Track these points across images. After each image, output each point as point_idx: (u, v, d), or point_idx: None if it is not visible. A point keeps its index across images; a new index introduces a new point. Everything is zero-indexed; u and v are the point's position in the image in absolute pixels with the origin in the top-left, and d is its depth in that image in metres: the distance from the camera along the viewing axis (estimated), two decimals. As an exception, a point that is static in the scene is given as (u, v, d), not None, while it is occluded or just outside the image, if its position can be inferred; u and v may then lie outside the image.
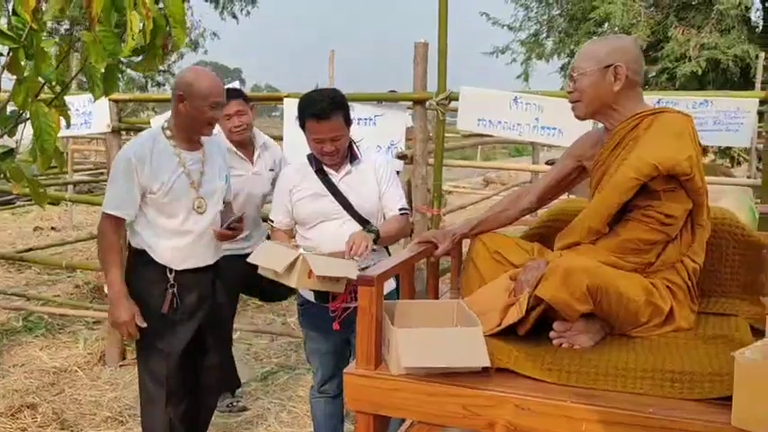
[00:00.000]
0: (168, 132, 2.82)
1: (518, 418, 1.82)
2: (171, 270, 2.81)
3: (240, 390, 4.16)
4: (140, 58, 2.19)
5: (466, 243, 2.65)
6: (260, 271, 2.63)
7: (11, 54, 2.00)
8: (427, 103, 3.94)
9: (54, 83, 2.15)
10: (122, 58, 2.13)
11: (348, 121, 2.83)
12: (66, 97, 2.29)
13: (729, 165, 13.32)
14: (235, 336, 4.18)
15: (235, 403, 3.98)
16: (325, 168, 2.88)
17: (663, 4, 12.35)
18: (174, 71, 18.32)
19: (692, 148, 2.16)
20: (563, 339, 2.12)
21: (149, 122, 4.60)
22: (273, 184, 3.38)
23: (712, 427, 1.68)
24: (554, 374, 1.91)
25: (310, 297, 2.89)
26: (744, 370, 1.61)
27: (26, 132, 2.20)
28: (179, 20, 2.09)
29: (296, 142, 3.48)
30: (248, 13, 20.75)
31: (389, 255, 2.92)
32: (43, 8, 1.99)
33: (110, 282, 2.75)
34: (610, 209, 2.18)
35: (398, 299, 2.50)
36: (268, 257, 2.58)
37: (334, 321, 2.77)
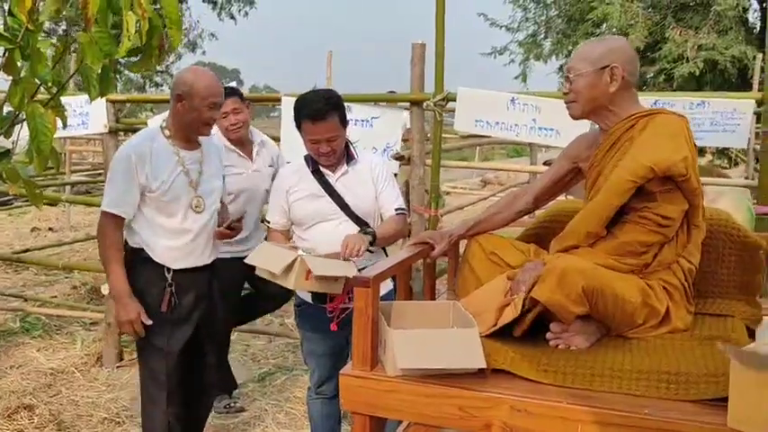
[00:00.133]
0: (167, 132, 2.83)
1: (514, 419, 1.82)
2: (168, 269, 2.81)
3: (237, 391, 4.15)
4: (136, 58, 2.20)
5: (463, 244, 2.64)
6: (257, 272, 2.63)
7: (6, 55, 2.00)
8: (425, 104, 3.95)
9: (50, 84, 2.15)
10: (120, 59, 2.13)
11: (344, 122, 2.83)
12: (63, 98, 2.28)
13: (727, 165, 13.36)
14: (232, 336, 4.18)
15: (232, 404, 3.98)
16: (322, 169, 2.88)
17: (660, 5, 12.36)
18: (172, 72, 18.33)
19: (688, 149, 2.16)
20: (559, 340, 2.12)
21: (146, 123, 4.59)
22: (274, 179, 3.38)
23: (708, 429, 1.68)
24: (550, 376, 1.91)
25: (307, 298, 2.89)
26: (739, 371, 1.61)
27: (23, 133, 2.20)
28: (175, 20, 2.09)
29: (294, 142, 3.48)
30: (246, 13, 20.77)
31: (387, 255, 2.92)
32: (39, 9, 1.99)
33: (113, 281, 2.75)
34: (607, 212, 2.18)
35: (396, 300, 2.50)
36: (266, 259, 2.58)
37: (331, 322, 2.77)
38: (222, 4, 20.08)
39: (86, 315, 5.51)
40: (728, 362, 1.64)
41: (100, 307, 5.29)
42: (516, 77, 15.10)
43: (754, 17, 13.00)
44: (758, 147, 4.80)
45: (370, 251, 2.76)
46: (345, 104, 2.90)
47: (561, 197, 3.05)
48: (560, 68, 14.61)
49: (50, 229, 9.79)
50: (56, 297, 6.21)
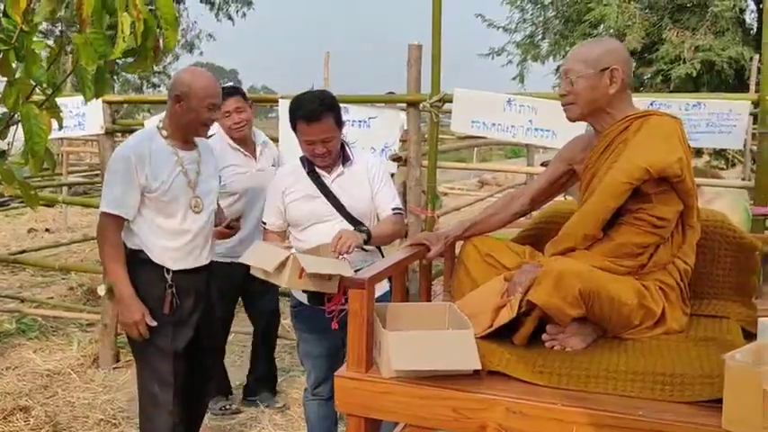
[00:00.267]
0: (164, 132, 2.82)
1: (509, 420, 1.82)
2: (168, 270, 2.80)
3: (234, 392, 4.15)
4: (132, 59, 2.20)
5: (459, 245, 2.64)
6: (252, 271, 2.62)
7: (1, 56, 1.99)
8: (421, 105, 3.95)
9: (45, 85, 2.14)
10: (117, 60, 2.13)
11: (339, 123, 2.83)
12: (59, 99, 2.28)
13: (724, 166, 13.38)
14: (229, 337, 4.17)
15: (227, 407, 3.97)
16: (318, 170, 2.88)
17: (658, 6, 12.39)
18: (169, 72, 18.34)
19: (682, 150, 2.17)
20: (555, 342, 2.12)
21: (143, 124, 4.59)
22: None
23: (703, 430, 1.68)
24: (545, 377, 1.91)
25: (304, 299, 2.88)
26: (734, 373, 1.61)
27: (18, 134, 2.20)
28: (170, 21, 2.09)
29: (291, 143, 3.48)
30: (244, 14, 20.77)
31: (383, 256, 2.92)
32: (34, 9, 1.99)
33: (116, 283, 2.73)
34: (604, 214, 2.18)
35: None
36: (259, 257, 2.57)
37: (329, 323, 2.77)
38: (220, 5, 20.08)
39: (83, 316, 5.50)
40: (723, 363, 1.64)
41: (96, 308, 5.29)
42: (514, 78, 15.14)
43: (751, 18, 13.04)
44: (755, 148, 4.81)
45: (364, 249, 2.76)
46: (342, 105, 2.90)
47: (559, 198, 3.05)
48: (557, 69, 14.64)
49: (47, 230, 9.78)
50: (52, 298, 6.20)
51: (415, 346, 1.92)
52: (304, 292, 2.84)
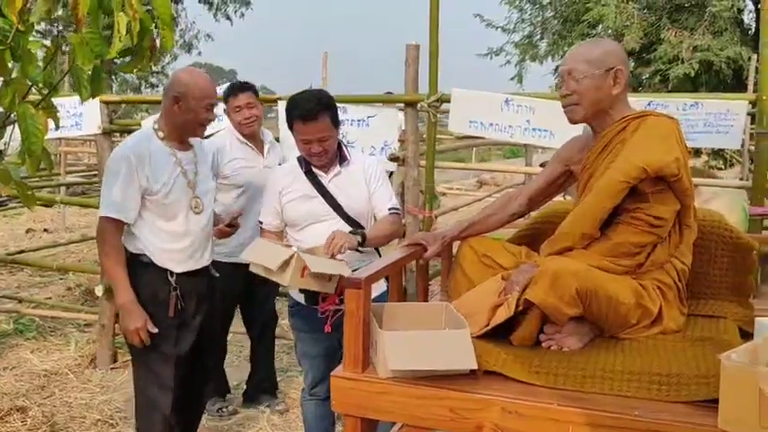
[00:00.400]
0: (161, 133, 2.80)
1: (505, 421, 1.81)
2: (171, 273, 2.78)
3: (232, 392, 4.15)
4: (128, 59, 2.20)
5: (456, 245, 2.64)
6: (252, 268, 2.61)
7: (-3, 55, 1.99)
8: (419, 105, 3.95)
9: (41, 84, 2.14)
10: (116, 60, 2.13)
11: (336, 123, 2.83)
12: (57, 99, 2.28)
13: (722, 166, 13.39)
14: (228, 337, 4.17)
15: (225, 408, 3.96)
16: (314, 170, 2.88)
17: (656, 6, 12.40)
18: (167, 73, 18.33)
19: (679, 150, 2.17)
20: (552, 342, 2.11)
21: (140, 124, 4.59)
22: None
23: (699, 430, 1.67)
24: (542, 377, 1.91)
25: (301, 299, 2.88)
26: (730, 372, 1.61)
27: (15, 134, 2.19)
28: (166, 21, 2.09)
29: (291, 144, 3.49)
30: (242, 14, 20.79)
31: (380, 256, 2.92)
32: (30, 9, 1.99)
33: (117, 288, 2.70)
34: (601, 213, 2.18)
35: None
36: (261, 255, 2.56)
37: (324, 323, 2.77)
38: (218, 5, 20.11)
39: (81, 317, 5.50)
40: (719, 363, 1.64)
41: (94, 308, 5.28)
42: (512, 78, 15.13)
43: (749, 18, 13.05)
44: (753, 148, 4.81)
45: (359, 251, 2.75)
46: (341, 105, 2.90)
47: (558, 198, 3.04)
48: (556, 69, 14.64)
49: (45, 230, 9.77)
50: (50, 298, 6.19)
51: (411, 346, 1.91)
52: (301, 291, 2.84)
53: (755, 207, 3.42)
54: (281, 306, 4.31)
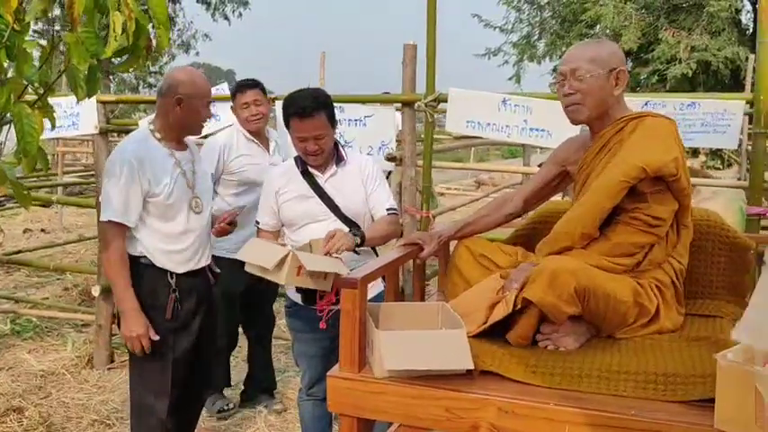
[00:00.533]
0: (158, 134, 2.78)
1: (501, 420, 1.81)
2: (172, 275, 2.76)
3: (230, 392, 4.14)
4: (124, 59, 2.20)
5: (452, 245, 2.64)
6: (247, 267, 2.61)
7: (-8, 55, 1.99)
8: (416, 104, 3.94)
9: (37, 84, 2.14)
10: (113, 60, 2.13)
11: (332, 122, 2.82)
12: (53, 98, 2.28)
13: (720, 166, 13.41)
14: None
15: (226, 407, 3.93)
16: (311, 170, 2.87)
17: (654, 7, 12.42)
18: (165, 72, 18.28)
19: (678, 150, 2.19)
20: (549, 341, 2.11)
21: (138, 124, 4.58)
22: None
23: (695, 429, 1.67)
24: (538, 377, 1.91)
25: (298, 299, 2.88)
26: (725, 372, 1.61)
27: (11, 134, 2.19)
28: (162, 20, 2.09)
29: (288, 142, 3.49)
30: (240, 14, 20.80)
31: (377, 256, 2.91)
32: (25, 9, 1.98)
33: (120, 295, 2.68)
34: (601, 213, 2.18)
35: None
36: (257, 254, 2.56)
37: (321, 322, 2.77)
38: (216, 5, 20.11)
39: (78, 317, 5.49)
40: (715, 363, 1.64)
41: (91, 309, 5.27)
42: (510, 78, 15.17)
43: (746, 18, 13.08)
44: (750, 148, 4.81)
45: (356, 252, 2.75)
46: (338, 105, 2.90)
47: (557, 198, 3.05)
48: (554, 69, 14.66)
49: (43, 230, 9.76)
50: (47, 299, 6.18)
51: (407, 346, 1.91)
52: (298, 291, 2.83)
53: (753, 207, 3.42)
54: (278, 306, 4.30)
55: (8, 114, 2.08)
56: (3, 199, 9.63)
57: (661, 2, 12.25)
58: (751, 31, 12.44)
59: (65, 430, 3.75)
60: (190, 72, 2.85)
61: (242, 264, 3.05)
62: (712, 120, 3.49)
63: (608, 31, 12.25)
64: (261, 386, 4.13)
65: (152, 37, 2.16)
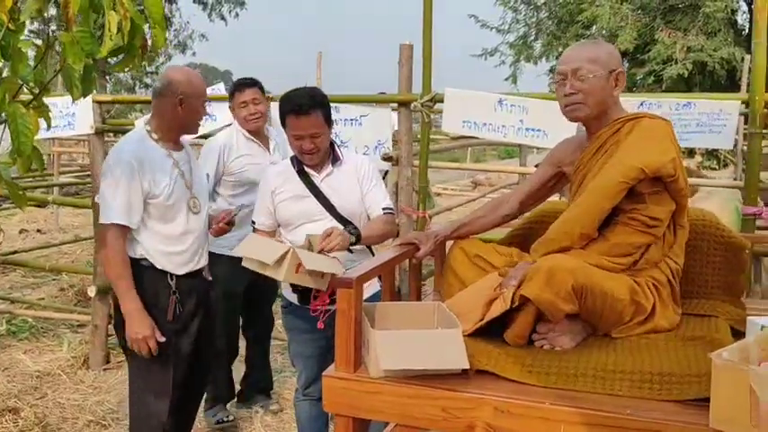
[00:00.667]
0: (155, 135, 2.77)
1: (497, 420, 1.81)
2: (172, 276, 2.75)
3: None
4: (119, 58, 2.19)
5: (448, 245, 2.64)
6: (244, 263, 2.60)
7: (-13, 54, 1.98)
8: (412, 104, 3.94)
9: (32, 84, 2.13)
10: (110, 60, 2.12)
11: (329, 121, 2.82)
12: (49, 98, 2.28)
13: (716, 167, 13.44)
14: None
15: (226, 418, 3.84)
16: (307, 169, 2.87)
17: (650, 7, 12.44)
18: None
19: (675, 151, 2.20)
20: (545, 341, 2.11)
21: (134, 124, 4.57)
22: None
23: (690, 429, 1.68)
24: (534, 376, 1.91)
25: (294, 299, 2.88)
26: (720, 371, 1.61)
27: (6, 134, 2.18)
28: (158, 20, 2.08)
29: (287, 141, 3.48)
30: (237, 14, 20.78)
31: (373, 255, 2.91)
32: (20, 8, 1.98)
33: (123, 295, 2.65)
34: (600, 213, 2.19)
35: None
36: (256, 250, 2.55)
37: (317, 322, 2.76)
38: (212, 5, 20.10)
39: (73, 317, 5.48)
40: (711, 362, 1.64)
41: (87, 309, 5.26)
42: (506, 79, 15.18)
43: (742, 19, 13.11)
44: (746, 148, 4.83)
45: (350, 251, 2.75)
46: (333, 105, 2.90)
47: (554, 198, 3.05)
48: (551, 70, 14.68)
49: (39, 230, 9.74)
50: (43, 299, 6.17)
51: (403, 346, 1.91)
52: (294, 291, 2.83)
53: (748, 207, 3.43)
54: (276, 307, 4.29)
55: (2, 114, 2.07)
56: (-2, 199, 9.60)
57: (657, 2, 12.27)
58: (747, 31, 12.46)
59: (60, 431, 3.75)
60: (186, 72, 2.85)
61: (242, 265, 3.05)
62: (708, 120, 3.50)
63: (604, 31, 12.27)
64: (257, 386, 4.12)
65: (147, 37, 2.15)
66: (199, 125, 2.87)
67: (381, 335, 1.91)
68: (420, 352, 1.90)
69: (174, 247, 2.76)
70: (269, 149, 3.79)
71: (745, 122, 4.22)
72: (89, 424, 3.81)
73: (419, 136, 4.19)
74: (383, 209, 2.91)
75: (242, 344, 4.28)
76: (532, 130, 3.76)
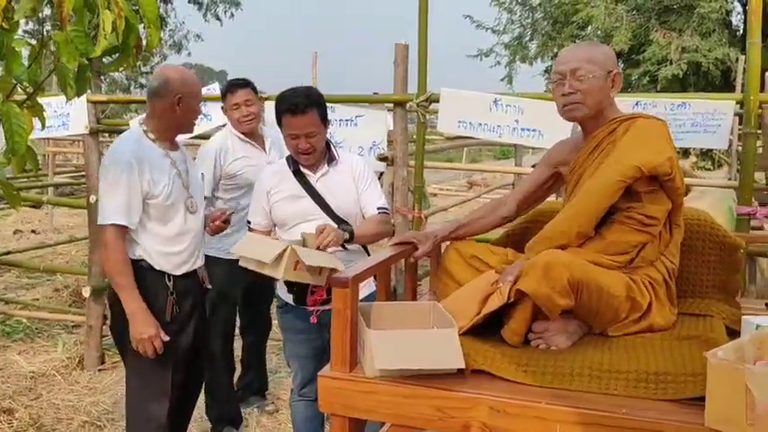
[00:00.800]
0: (152, 135, 2.76)
1: (493, 419, 1.81)
2: (170, 277, 2.74)
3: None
4: (114, 57, 2.19)
5: (444, 246, 2.64)
6: (242, 262, 2.60)
7: (-20, 54, 1.97)
8: (408, 104, 3.94)
9: (26, 83, 2.12)
10: (105, 59, 2.12)
11: (324, 120, 2.82)
12: (44, 98, 2.27)
13: (711, 167, 13.48)
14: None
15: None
16: (303, 169, 2.87)
17: (644, 8, 12.47)
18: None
19: (671, 150, 2.22)
20: (540, 340, 2.11)
21: (129, 124, 4.56)
22: None
23: (686, 428, 1.67)
24: (529, 376, 1.91)
25: (289, 299, 2.87)
26: (716, 370, 1.61)
27: (1, 134, 2.17)
28: (152, 19, 2.08)
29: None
30: (232, 15, 20.77)
31: (369, 255, 2.91)
32: (14, 8, 1.97)
33: (127, 297, 2.62)
34: (597, 212, 2.19)
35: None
36: (253, 249, 2.54)
37: (316, 323, 2.76)
38: (208, 5, 20.08)
39: (68, 318, 5.46)
40: (706, 361, 1.64)
41: (82, 310, 5.24)
42: (502, 79, 15.19)
43: (737, 20, 13.15)
44: (741, 148, 4.84)
45: (345, 248, 2.74)
46: (329, 105, 2.90)
47: (552, 198, 3.06)
48: (546, 70, 14.70)
49: (33, 231, 9.71)
50: (38, 300, 6.15)
51: (398, 346, 1.91)
52: (289, 292, 2.83)
53: (743, 206, 3.44)
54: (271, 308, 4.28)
55: (-3, 114, 2.06)
56: (-7, 200, 9.57)
57: (652, 3, 12.30)
58: (741, 32, 12.50)
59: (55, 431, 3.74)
60: (182, 71, 2.84)
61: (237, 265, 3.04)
62: (703, 120, 3.51)
63: (599, 32, 12.30)
64: (253, 387, 4.11)
65: (142, 36, 2.15)
66: (194, 125, 2.86)
67: (377, 335, 1.91)
68: (416, 352, 1.90)
69: (171, 247, 2.75)
70: (265, 149, 3.74)
71: (740, 122, 4.23)
72: (84, 425, 3.80)
73: (414, 136, 4.19)
74: (378, 208, 2.91)
75: (237, 344, 4.27)
76: (528, 130, 3.77)
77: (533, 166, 3.45)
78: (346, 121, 4.06)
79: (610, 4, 12.08)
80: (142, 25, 2.10)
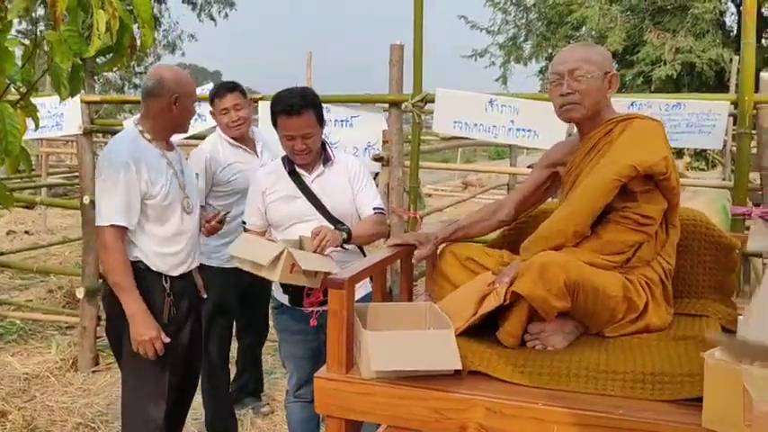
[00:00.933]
0: (148, 135, 2.74)
1: (489, 420, 1.81)
2: (167, 278, 2.73)
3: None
4: (108, 57, 2.18)
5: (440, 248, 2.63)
6: (237, 263, 2.58)
7: (-27, 53, 1.96)
8: (403, 105, 3.94)
9: (20, 83, 2.11)
10: (98, 60, 2.11)
11: (320, 120, 2.81)
12: (38, 98, 2.26)
13: (705, 168, 13.51)
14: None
15: None
16: (298, 169, 2.86)
17: (638, 9, 12.48)
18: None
19: (667, 150, 2.22)
20: (537, 341, 2.11)
21: (123, 124, 4.54)
22: None
23: (683, 429, 1.67)
24: (526, 377, 1.90)
25: (285, 300, 2.86)
26: (713, 370, 1.61)
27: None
28: (146, 19, 2.07)
29: (276, 141, 3.44)
30: (226, 15, 20.73)
31: (365, 256, 2.90)
32: (7, 7, 1.96)
33: (127, 299, 2.60)
34: (593, 211, 2.20)
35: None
36: (250, 250, 2.53)
37: (308, 322, 2.75)
38: (202, 6, 20.04)
39: (62, 319, 5.44)
40: (703, 361, 1.64)
41: (75, 311, 5.23)
42: (497, 80, 15.18)
43: (731, 20, 13.18)
44: (735, 149, 4.85)
45: (344, 248, 2.74)
46: (324, 105, 2.89)
47: (549, 199, 3.06)
48: (540, 71, 14.71)
49: (26, 232, 9.67)
50: (31, 301, 6.12)
51: (395, 347, 1.90)
52: (285, 292, 2.82)
53: (737, 206, 3.45)
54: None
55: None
56: (-14, 200, 9.51)
57: (646, 4, 12.31)
58: (735, 32, 12.52)
59: (49, 434, 3.72)
60: (176, 70, 2.83)
61: (236, 274, 3.02)
62: (698, 120, 3.52)
63: (593, 32, 12.32)
64: (248, 388, 4.09)
65: (136, 36, 2.13)
66: (189, 124, 2.86)
67: (373, 336, 1.90)
68: (412, 353, 1.89)
69: (168, 248, 2.73)
70: (257, 152, 3.67)
71: (734, 123, 4.24)
72: (78, 426, 3.78)
73: (410, 136, 4.19)
74: (374, 209, 2.90)
75: (233, 345, 4.26)
76: (523, 130, 3.77)
77: (529, 167, 3.44)
78: (341, 121, 4.05)
79: (604, 5, 12.10)
80: (136, 25, 2.09)
